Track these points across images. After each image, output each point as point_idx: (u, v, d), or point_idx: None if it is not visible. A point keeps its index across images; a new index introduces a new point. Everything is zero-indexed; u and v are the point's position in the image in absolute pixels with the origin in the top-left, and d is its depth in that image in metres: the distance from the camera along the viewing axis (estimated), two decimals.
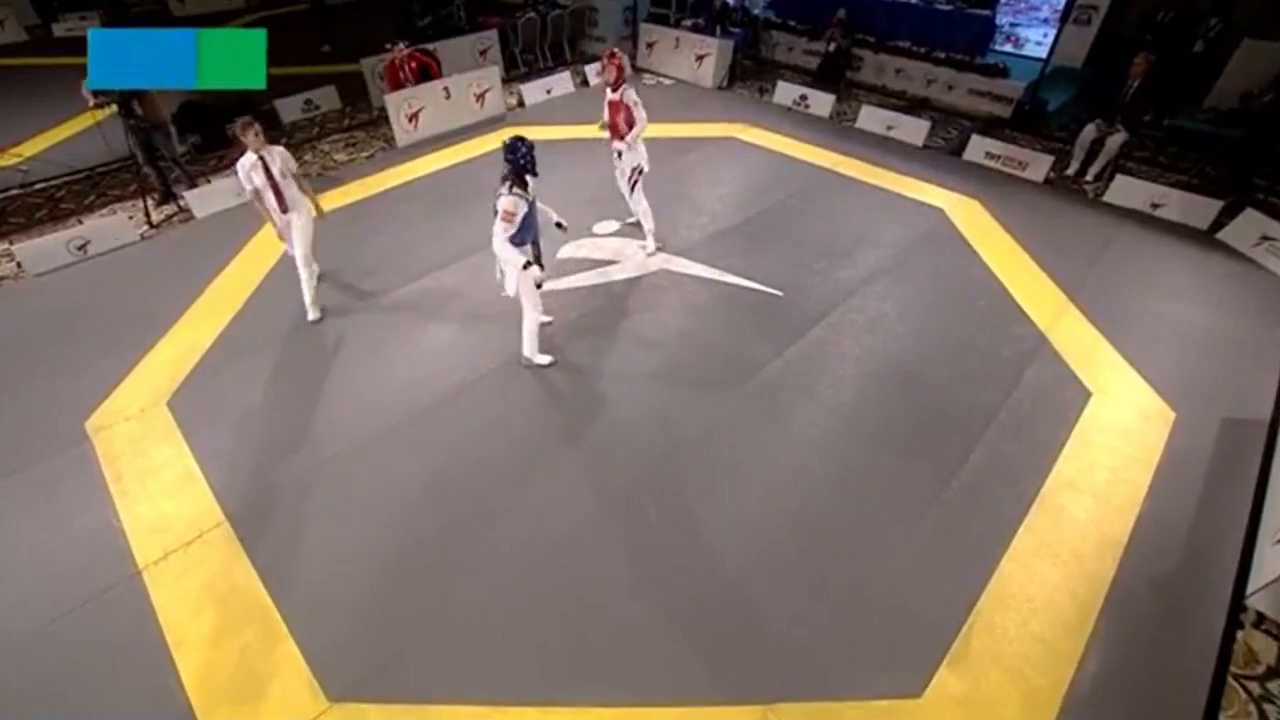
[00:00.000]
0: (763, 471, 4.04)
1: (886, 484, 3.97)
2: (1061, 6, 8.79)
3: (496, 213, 4.03)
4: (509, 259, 4.16)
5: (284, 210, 4.92)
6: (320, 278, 5.40)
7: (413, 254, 6.07)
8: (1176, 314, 5.36)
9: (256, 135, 4.63)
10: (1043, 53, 9.25)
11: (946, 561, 3.54)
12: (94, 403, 4.43)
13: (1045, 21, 9.57)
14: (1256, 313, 5.37)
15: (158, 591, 3.33)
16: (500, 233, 4.04)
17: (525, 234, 4.19)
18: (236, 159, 4.82)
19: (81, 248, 5.94)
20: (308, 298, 5.19)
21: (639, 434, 4.28)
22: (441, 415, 4.41)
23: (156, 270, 5.93)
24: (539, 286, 4.40)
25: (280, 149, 4.87)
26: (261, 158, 4.71)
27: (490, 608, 3.32)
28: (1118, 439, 4.22)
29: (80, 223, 6.45)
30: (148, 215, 6.57)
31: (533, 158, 4.08)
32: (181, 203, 6.78)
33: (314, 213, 5.12)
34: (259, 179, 4.75)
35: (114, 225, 6.17)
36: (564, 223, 4.60)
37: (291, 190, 4.91)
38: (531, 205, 4.17)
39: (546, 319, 5.13)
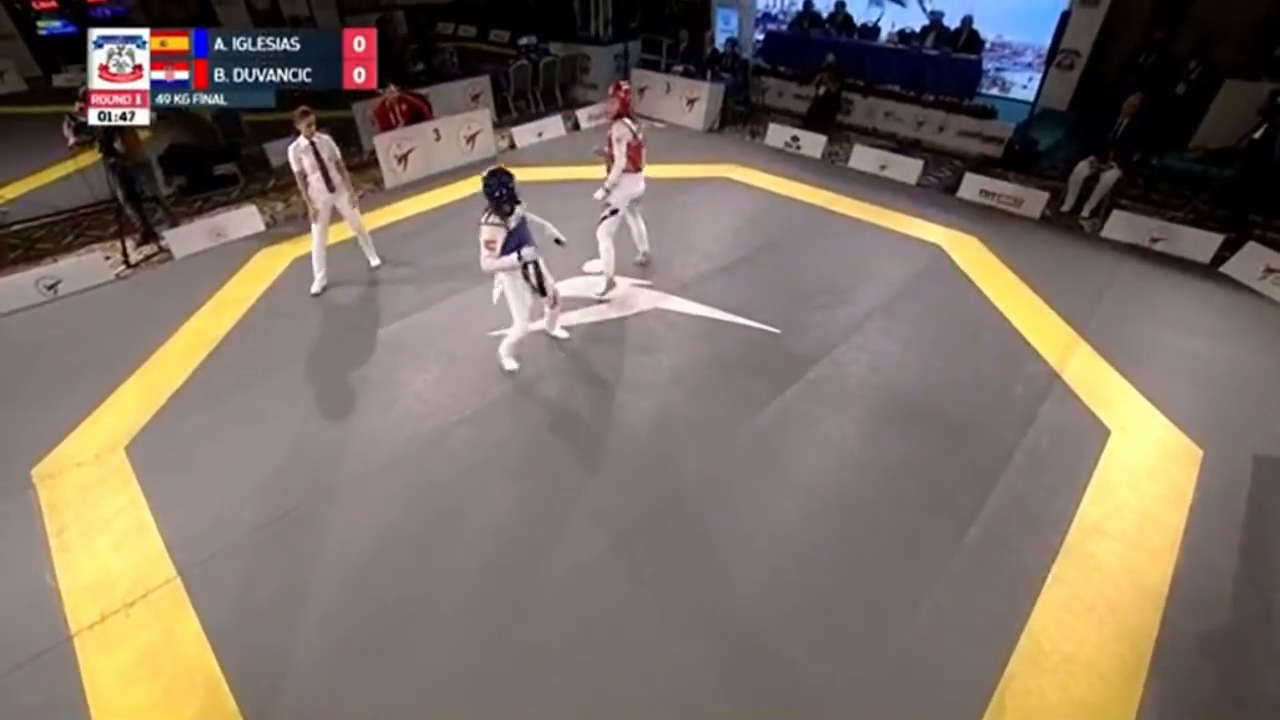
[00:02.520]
0: (765, 520, 3.73)
1: (900, 531, 3.66)
2: (1045, 51, 8.96)
3: None
4: (495, 270, 4.31)
5: (330, 190, 5.58)
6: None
7: (394, 294, 5.87)
8: (1190, 348, 5.17)
9: (309, 125, 5.30)
10: (1028, 96, 9.39)
11: (971, 616, 3.21)
12: (45, 448, 4.12)
13: (1029, 66, 9.74)
14: (1273, 345, 5.18)
15: (89, 660, 2.96)
16: (485, 258, 4.19)
17: (513, 250, 4.22)
18: (222, 201, 4.83)
19: (52, 287, 5.72)
20: (369, 250, 6.24)
21: (632, 480, 3.98)
22: (420, 461, 4.11)
23: (129, 310, 5.69)
24: (542, 295, 4.54)
25: (328, 138, 5.50)
26: (313, 143, 5.35)
27: (472, 677, 2.95)
28: (1144, 479, 3.94)
29: (55, 262, 6.24)
30: (125, 255, 6.37)
31: (507, 190, 4.05)
32: (162, 243, 6.60)
33: (352, 195, 5.85)
34: (308, 161, 5.39)
35: (87, 264, 5.98)
36: (562, 238, 4.54)
37: (338, 175, 5.58)
38: (520, 225, 4.20)
39: (562, 335, 5.17)
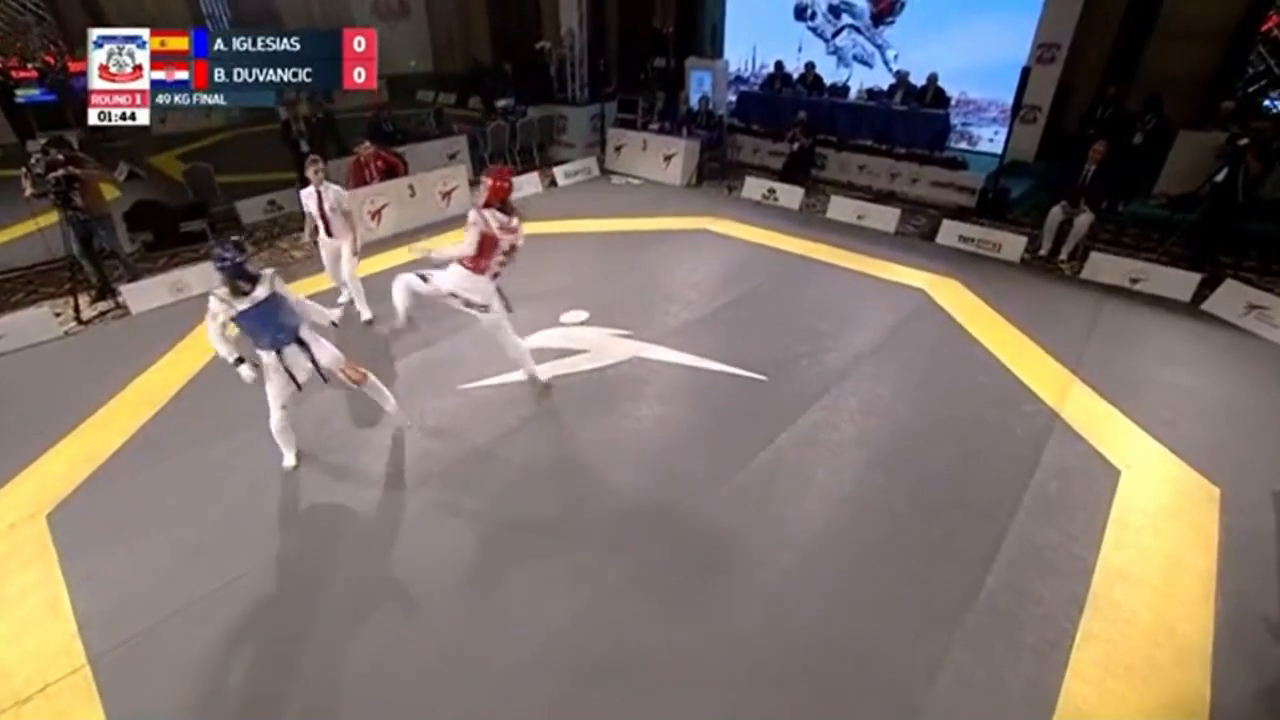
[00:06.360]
0: (761, 579, 3.37)
1: (911, 587, 3.32)
2: (1008, 107, 9.30)
3: None
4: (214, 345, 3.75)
5: (330, 235, 5.62)
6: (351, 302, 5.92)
7: (357, 350, 5.52)
8: (1186, 384, 5.03)
9: (317, 172, 5.40)
10: (996, 148, 9.67)
11: (998, 680, 2.85)
12: None
13: (995, 120, 10.08)
14: (1268, 380, 5.06)
15: None
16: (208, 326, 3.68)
17: (262, 336, 3.73)
18: (190, 258, 5.32)
19: None
20: (362, 306, 5.90)
21: (613, 536, 3.63)
22: (377, 528, 3.73)
23: (75, 368, 5.32)
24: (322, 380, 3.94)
25: (336, 187, 5.59)
26: (318, 191, 5.43)
27: None
28: (1164, 520, 3.68)
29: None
30: (77, 311, 6.02)
31: (231, 264, 3.49)
32: (119, 299, 6.29)
33: (355, 246, 5.69)
34: (313, 206, 5.49)
35: (32, 320, 5.61)
36: (336, 321, 4.27)
37: (338, 223, 5.57)
38: (262, 308, 3.63)
39: (406, 423, 4.45)
